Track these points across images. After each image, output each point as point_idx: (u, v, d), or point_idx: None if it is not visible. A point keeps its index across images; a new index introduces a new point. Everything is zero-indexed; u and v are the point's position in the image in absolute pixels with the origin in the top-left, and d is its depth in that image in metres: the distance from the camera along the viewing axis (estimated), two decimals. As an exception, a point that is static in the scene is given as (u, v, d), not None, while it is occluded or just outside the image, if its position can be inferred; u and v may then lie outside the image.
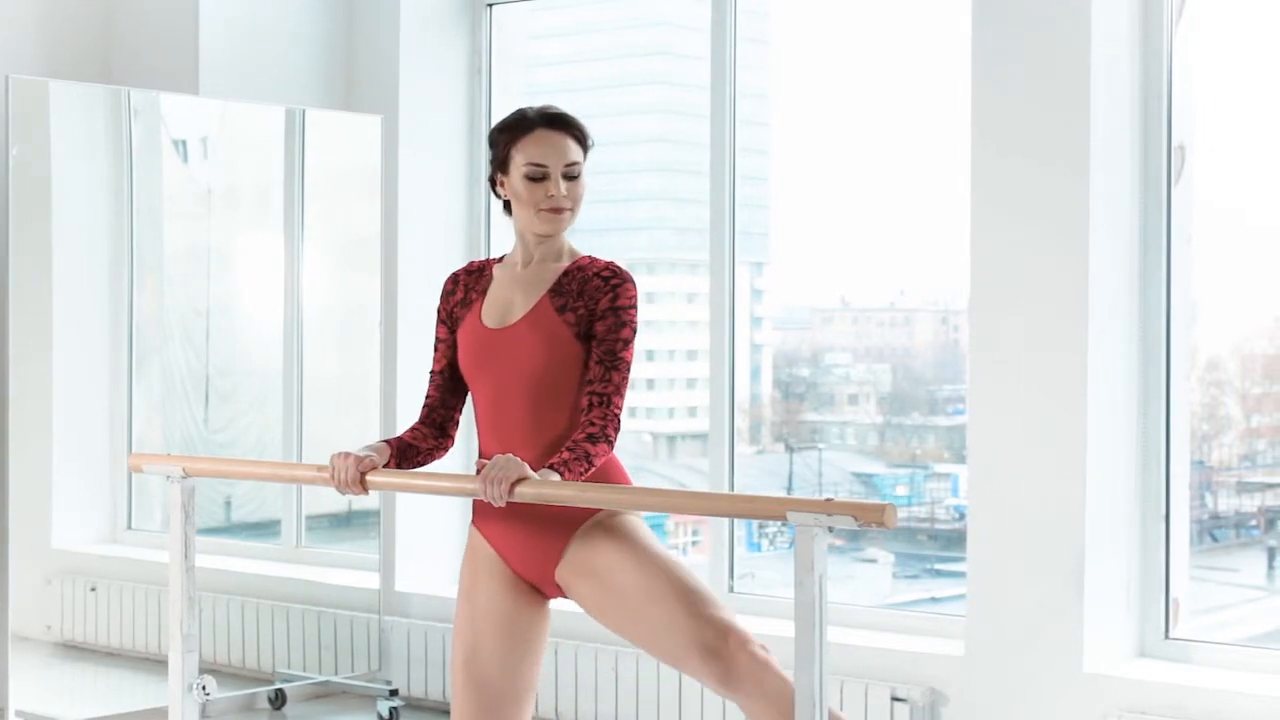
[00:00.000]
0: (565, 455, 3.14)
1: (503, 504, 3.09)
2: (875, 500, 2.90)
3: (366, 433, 5.78)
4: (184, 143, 5.77)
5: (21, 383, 5.12)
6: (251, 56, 5.72)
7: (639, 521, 3.30)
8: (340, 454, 3.30)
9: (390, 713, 5.48)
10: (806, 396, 6.43)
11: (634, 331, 3.27)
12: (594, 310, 3.25)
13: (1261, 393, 5.19)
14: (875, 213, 5.79)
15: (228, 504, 5.92)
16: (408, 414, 5.74)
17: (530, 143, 3.29)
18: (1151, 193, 4.65)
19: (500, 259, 3.41)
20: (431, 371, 3.44)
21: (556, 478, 3.09)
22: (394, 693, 5.54)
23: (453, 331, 3.40)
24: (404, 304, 5.84)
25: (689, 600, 3.16)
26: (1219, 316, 5.04)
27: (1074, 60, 4.50)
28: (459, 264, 5.95)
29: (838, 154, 5.88)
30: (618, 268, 3.31)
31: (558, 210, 3.29)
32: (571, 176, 3.30)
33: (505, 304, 3.32)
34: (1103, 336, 4.55)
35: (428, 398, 3.43)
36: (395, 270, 5.82)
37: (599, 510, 3.26)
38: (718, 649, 3.12)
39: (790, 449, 6.33)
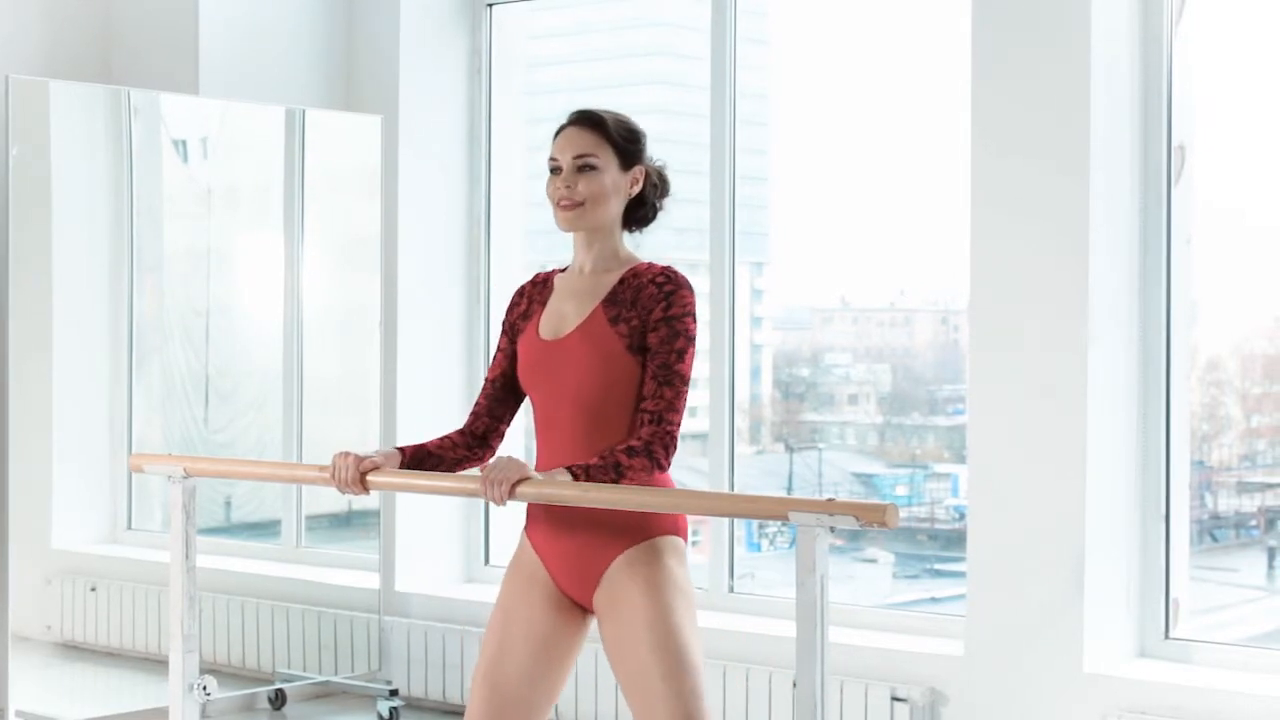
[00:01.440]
0: (593, 462, 3.06)
1: (503, 504, 3.08)
2: (876, 500, 2.90)
3: (366, 433, 5.78)
4: (184, 143, 5.77)
5: (21, 383, 5.12)
6: (251, 56, 5.72)
7: (678, 574, 3.16)
8: (341, 453, 3.28)
9: (390, 713, 5.48)
10: (806, 396, 6.43)
11: (690, 341, 3.13)
12: (647, 321, 3.13)
13: (1261, 393, 5.19)
14: (875, 213, 5.79)
15: (228, 504, 5.92)
16: (408, 414, 5.75)
17: (554, 141, 3.24)
18: (1151, 193, 4.65)
19: (564, 269, 3.32)
20: (485, 379, 3.37)
21: (567, 478, 3.03)
22: (394, 693, 5.54)
23: (513, 342, 3.32)
24: (404, 304, 5.84)
25: (687, 701, 3.08)
26: (1219, 316, 5.04)
27: (1074, 60, 4.50)
28: (459, 264, 6.00)
29: (837, 154, 5.88)
30: (673, 273, 3.18)
31: (566, 205, 3.20)
32: (584, 169, 3.19)
33: (560, 315, 3.23)
34: (1103, 336, 4.54)
35: (475, 405, 3.36)
36: (395, 270, 5.82)
37: (645, 535, 3.15)
38: None
39: (790, 449, 6.34)
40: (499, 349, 3.36)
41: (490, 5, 6.03)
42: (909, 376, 6.32)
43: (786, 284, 6.31)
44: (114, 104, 5.49)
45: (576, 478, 3.04)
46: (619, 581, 3.14)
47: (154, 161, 5.65)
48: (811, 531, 2.87)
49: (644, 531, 3.15)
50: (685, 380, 3.13)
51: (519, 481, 3.03)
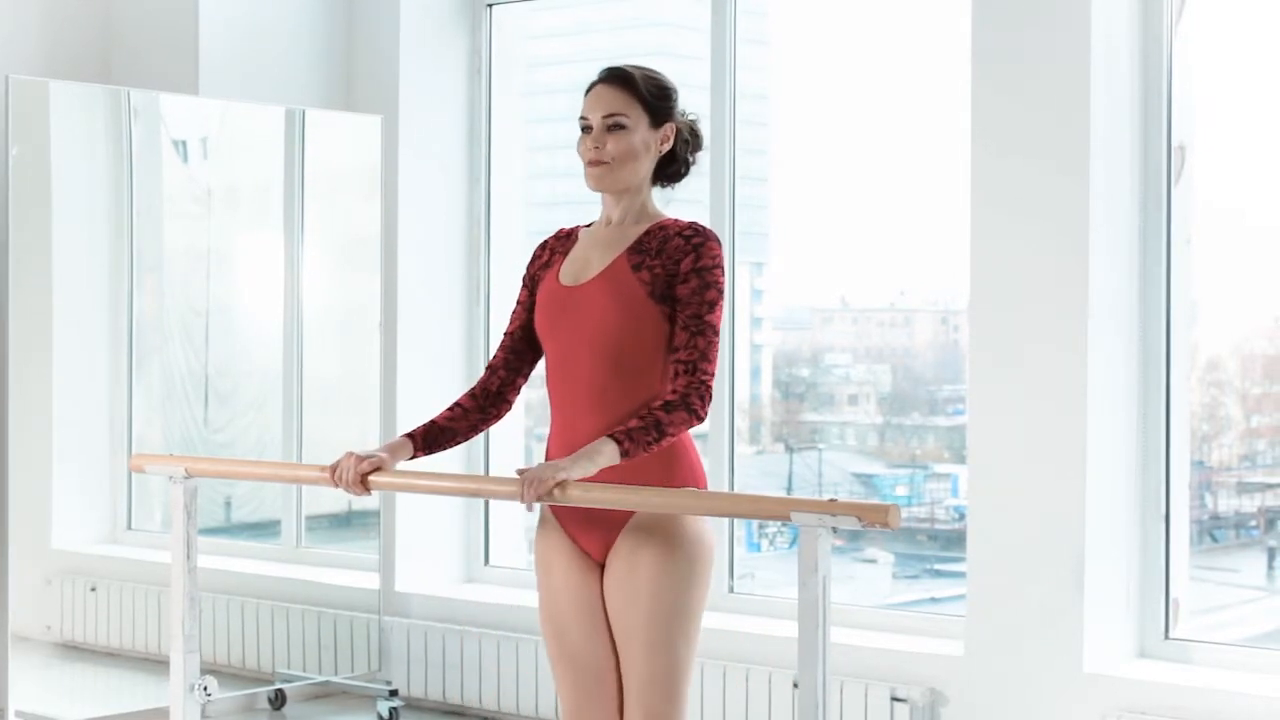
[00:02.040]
0: (633, 424, 3.03)
1: (531, 508, 3.05)
2: (877, 500, 2.90)
3: (366, 433, 5.78)
4: (184, 143, 5.77)
5: (21, 383, 5.12)
6: (251, 56, 5.72)
7: (691, 531, 3.15)
8: (346, 454, 3.26)
9: (390, 713, 5.48)
10: (806, 396, 6.43)
11: (720, 293, 3.13)
12: (674, 271, 3.12)
13: (1261, 393, 5.19)
14: (875, 213, 5.80)
15: (228, 504, 5.92)
16: (408, 414, 5.75)
17: (585, 99, 3.23)
18: (1151, 193, 4.66)
19: (590, 224, 3.32)
20: (504, 334, 3.34)
21: (612, 446, 3.00)
22: (394, 693, 5.54)
23: (532, 294, 3.31)
24: (404, 304, 5.84)
25: (668, 694, 3.12)
26: (1219, 316, 5.04)
27: (1074, 60, 4.50)
28: (459, 264, 6.00)
29: (837, 154, 5.88)
30: (700, 226, 3.18)
31: (595, 164, 3.18)
32: (613, 127, 3.18)
33: (583, 262, 3.22)
34: (1103, 336, 4.55)
35: (492, 359, 3.33)
36: (395, 270, 5.82)
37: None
38: None
39: (790, 449, 6.34)
40: (518, 302, 3.34)
41: (490, 5, 6.03)
42: (909, 376, 6.32)
43: (786, 284, 6.31)
44: (114, 104, 5.49)
45: (620, 443, 3.01)
46: (631, 550, 3.13)
47: (154, 161, 5.65)
48: (814, 532, 2.88)
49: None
50: (717, 331, 3.13)
51: (558, 484, 3.00)
